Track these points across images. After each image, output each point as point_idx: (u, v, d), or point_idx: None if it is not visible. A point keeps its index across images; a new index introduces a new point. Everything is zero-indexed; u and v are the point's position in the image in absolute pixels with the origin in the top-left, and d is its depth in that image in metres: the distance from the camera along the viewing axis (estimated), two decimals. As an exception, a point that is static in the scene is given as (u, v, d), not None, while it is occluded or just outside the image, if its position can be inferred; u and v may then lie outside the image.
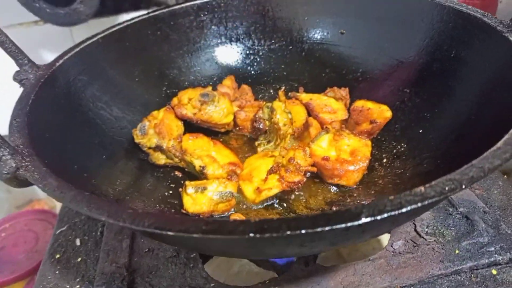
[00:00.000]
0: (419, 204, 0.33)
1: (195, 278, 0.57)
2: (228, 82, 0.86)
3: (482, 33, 0.63)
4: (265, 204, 0.63)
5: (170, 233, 0.33)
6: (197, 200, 0.61)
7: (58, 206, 1.09)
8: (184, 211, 0.61)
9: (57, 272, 0.61)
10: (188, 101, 0.76)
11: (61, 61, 0.67)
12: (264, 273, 0.71)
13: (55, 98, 0.63)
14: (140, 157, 0.72)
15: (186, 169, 0.71)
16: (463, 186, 0.35)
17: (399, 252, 0.58)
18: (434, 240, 0.59)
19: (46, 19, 0.91)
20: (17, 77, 0.63)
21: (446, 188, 0.34)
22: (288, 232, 0.32)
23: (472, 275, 0.54)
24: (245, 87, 0.87)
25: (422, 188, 0.35)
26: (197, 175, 0.69)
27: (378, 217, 0.33)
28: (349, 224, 0.32)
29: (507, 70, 0.56)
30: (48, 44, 1.13)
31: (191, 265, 0.59)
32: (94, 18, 0.91)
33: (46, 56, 1.13)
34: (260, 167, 0.67)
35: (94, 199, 0.38)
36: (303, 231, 0.32)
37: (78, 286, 0.60)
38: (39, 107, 0.57)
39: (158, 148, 0.70)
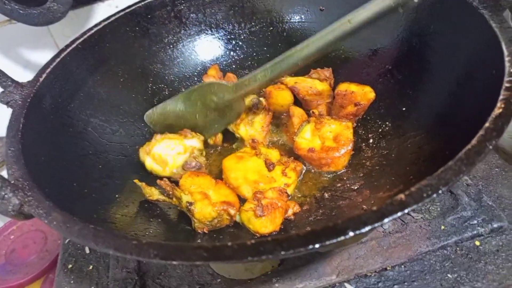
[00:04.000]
0: (399, 214, 0.36)
1: (202, 276, 0.61)
2: (213, 72, 0.86)
3: (458, 7, 0.64)
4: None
5: (174, 262, 0.36)
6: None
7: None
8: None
9: (72, 282, 0.64)
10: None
11: (44, 76, 0.67)
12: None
13: (44, 117, 0.63)
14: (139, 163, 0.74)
15: (178, 208, 0.63)
16: (440, 191, 0.37)
17: (389, 232, 0.61)
18: (421, 217, 0.62)
19: (19, 20, 0.89)
20: (3, 99, 0.63)
21: (424, 195, 0.37)
22: (282, 252, 0.35)
23: (457, 248, 0.58)
24: (230, 75, 0.87)
25: (403, 196, 0.38)
26: (186, 212, 0.62)
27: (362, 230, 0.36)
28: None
29: (484, 50, 0.57)
30: (26, 41, 1.11)
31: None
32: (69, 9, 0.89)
33: (26, 54, 1.11)
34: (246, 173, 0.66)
35: (100, 233, 0.40)
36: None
37: (94, 294, 0.63)
38: (31, 130, 0.58)
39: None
